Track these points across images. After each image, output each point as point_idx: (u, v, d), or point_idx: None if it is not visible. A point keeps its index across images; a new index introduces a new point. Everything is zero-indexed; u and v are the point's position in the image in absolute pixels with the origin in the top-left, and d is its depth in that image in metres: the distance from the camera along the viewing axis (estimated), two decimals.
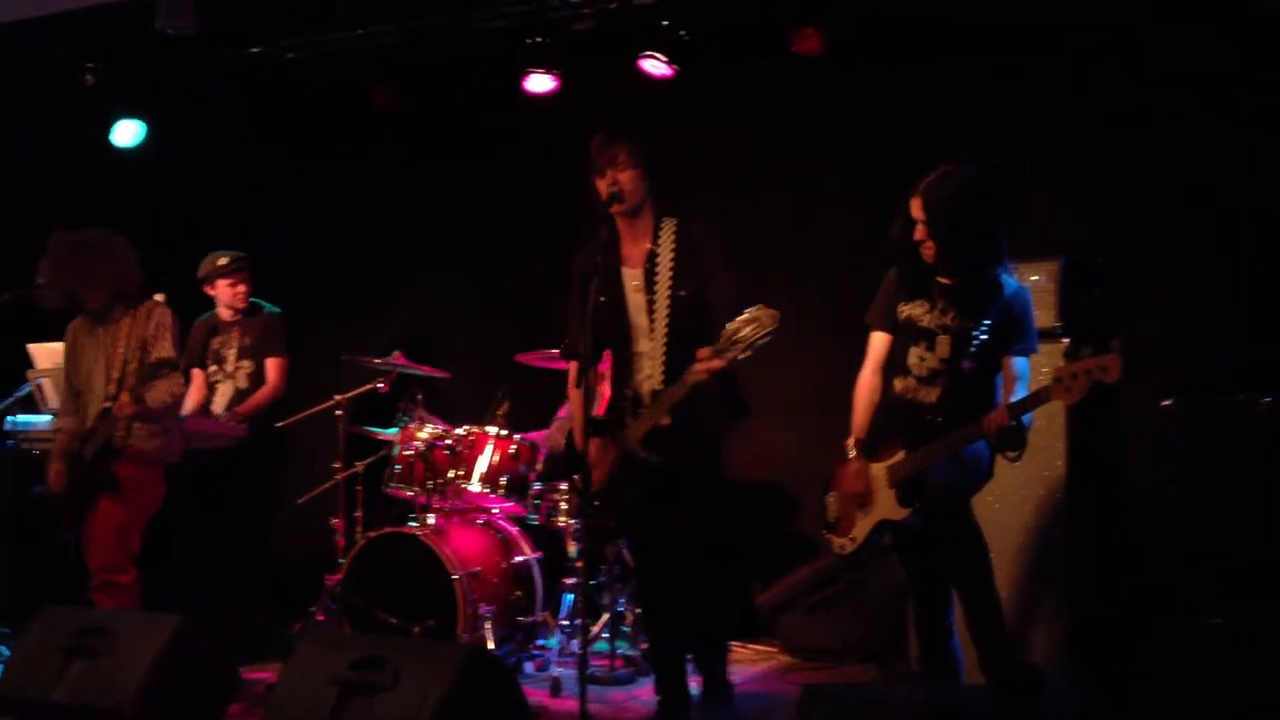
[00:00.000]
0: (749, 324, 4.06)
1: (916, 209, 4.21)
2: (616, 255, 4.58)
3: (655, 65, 6.41)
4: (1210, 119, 5.56)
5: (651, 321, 4.50)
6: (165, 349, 5.23)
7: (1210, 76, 5.54)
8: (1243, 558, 4.59)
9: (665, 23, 6.37)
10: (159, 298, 5.45)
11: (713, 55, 6.47)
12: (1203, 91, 5.55)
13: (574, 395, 4.68)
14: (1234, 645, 4.49)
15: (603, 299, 4.54)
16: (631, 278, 4.56)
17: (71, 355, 5.40)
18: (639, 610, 5.64)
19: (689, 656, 4.76)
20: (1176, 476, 4.80)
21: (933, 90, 6.15)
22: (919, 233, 4.21)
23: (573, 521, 5.72)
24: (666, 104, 6.51)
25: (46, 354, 6.16)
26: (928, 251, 4.23)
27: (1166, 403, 4.87)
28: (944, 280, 4.28)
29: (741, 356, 4.13)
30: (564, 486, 5.82)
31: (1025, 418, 4.09)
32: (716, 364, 4.16)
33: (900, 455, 4.25)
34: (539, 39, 6.62)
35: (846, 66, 6.29)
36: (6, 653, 5.74)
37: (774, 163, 6.64)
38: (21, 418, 6.17)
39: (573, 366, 4.66)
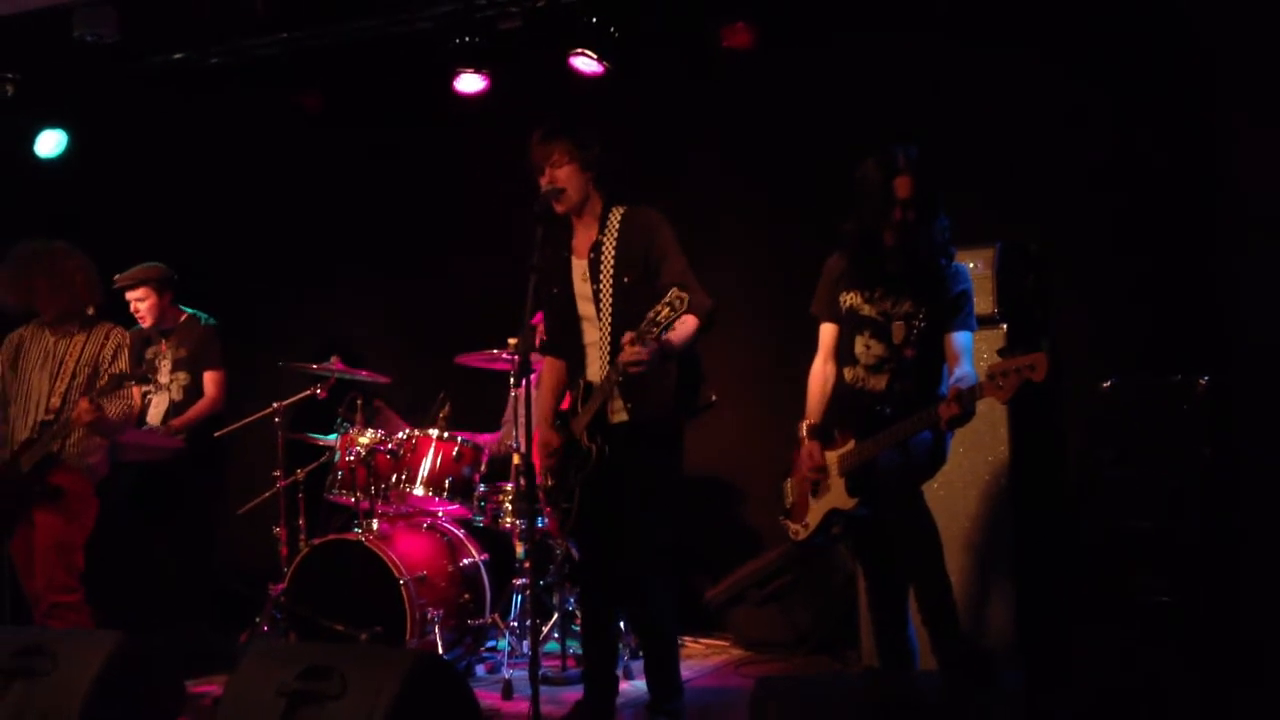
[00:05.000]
0: (664, 307, 4.05)
1: (906, 188, 4.18)
2: (568, 248, 4.59)
3: (585, 62, 6.40)
4: (1136, 105, 5.65)
5: (598, 311, 4.48)
6: (122, 366, 5.21)
7: (1137, 58, 5.63)
8: (1184, 537, 4.66)
9: (594, 20, 6.35)
10: (89, 312, 5.38)
11: (643, 51, 6.47)
12: (1131, 70, 5.64)
13: (541, 391, 4.68)
14: (1176, 625, 4.56)
15: (555, 291, 4.56)
16: (579, 269, 4.55)
17: (13, 361, 5.33)
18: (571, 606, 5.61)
19: (641, 656, 4.75)
20: (1117, 458, 4.86)
21: (860, 82, 6.19)
22: (899, 213, 4.19)
23: (519, 522, 5.69)
24: (598, 100, 6.49)
25: None
26: (903, 233, 4.21)
27: (1106, 384, 4.93)
28: (894, 266, 4.28)
29: (672, 340, 4.11)
30: (509, 487, 5.79)
31: None
32: (639, 352, 4.12)
33: (850, 445, 4.27)
34: (467, 39, 6.58)
35: (776, 59, 6.31)
36: None
37: (710, 155, 6.66)
38: None
39: (545, 362, 4.71)
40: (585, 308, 4.54)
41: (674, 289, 4.06)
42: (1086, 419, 5.15)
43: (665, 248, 4.46)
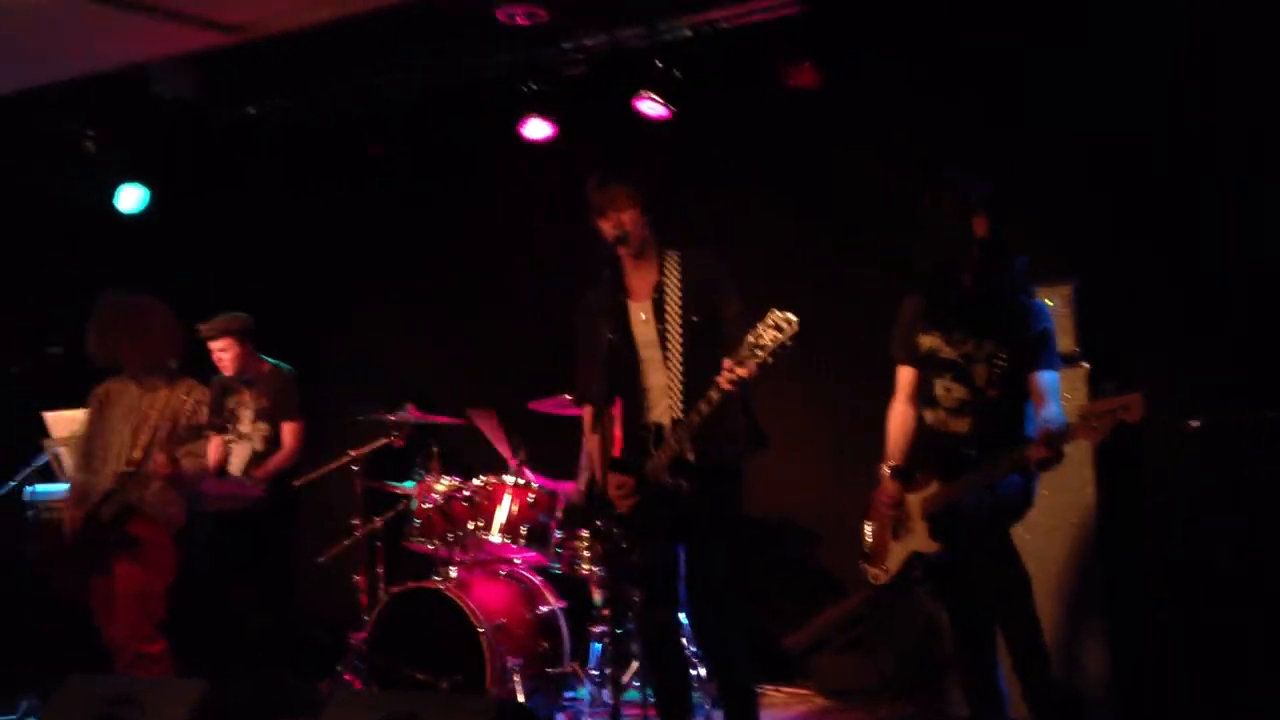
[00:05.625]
0: (770, 330, 4.03)
1: (983, 227, 4.14)
2: (622, 290, 4.56)
3: (651, 106, 6.43)
4: (1192, 133, 5.57)
5: (665, 353, 4.46)
6: (202, 419, 5.29)
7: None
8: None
9: (659, 63, 6.38)
10: (172, 365, 5.48)
11: (709, 93, 6.49)
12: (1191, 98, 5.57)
13: (590, 438, 4.66)
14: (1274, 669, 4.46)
15: (611, 337, 4.50)
16: (639, 311, 4.52)
17: (99, 412, 5.42)
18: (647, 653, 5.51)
19: (721, 707, 4.70)
20: (1209, 497, 4.78)
21: (924, 120, 6.15)
22: (976, 251, 4.14)
23: (596, 569, 5.67)
24: (665, 143, 6.52)
25: (62, 423, 6.14)
26: (979, 272, 4.17)
27: (1195, 423, 4.85)
28: (973, 306, 4.24)
29: (765, 363, 4.06)
30: (585, 534, 5.78)
31: None
32: (741, 371, 4.08)
33: (934, 487, 4.23)
34: (534, 85, 6.65)
35: (842, 98, 6.30)
36: None
37: (777, 194, 6.64)
38: (40, 487, 6.12)
39: (587, 411, 4.65)
40: (648, 351, 4.51)
41: (774, 310, 4.02)
42: (1175, 457, 5.07)
43: (728, 288, 4.46)
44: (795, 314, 4.03)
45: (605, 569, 4.71)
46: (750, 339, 4.04)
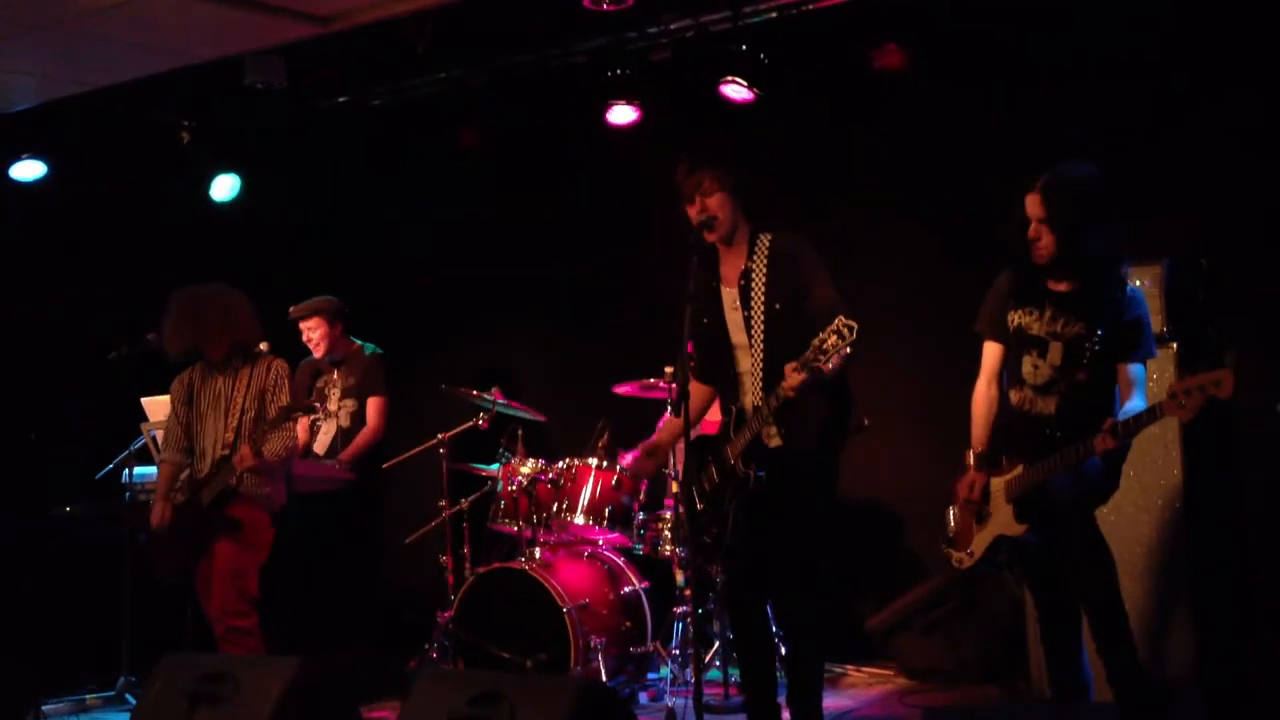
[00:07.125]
0: (832, 335, 4.04)
1: (1034, 206, 4.10)
2: (717, 276, 4.58)
3: (736, 90, 6.42)
4: None
5: (750, 338, 4.48)
6: (284, 400, 5.38)
7: None
8: None
9: (744, 47, 6.37)
10: (263, 347, 5.59)
11: (793, 76, 6.46)
12: None
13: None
14: None
15: (705, 321, 4.56)
16: (729, 297, 4.55)
17: (185, 400, 5.54)
18: (730, 633, 5.51)
19: (782, 682, 4.71)
20: None
21: (1016, 101, 6.08)
22: (1033, 231, 4.10)
23: (679, 550, 5.71)
24: (750, 128, 6.51)
25: (159, 407, 6.29)
26: (1041, 252, 4.12)
27: None
28: (1056, 284, 4.19)
29: (827, 369, 4.11)
30: (667, 515, 5.82)
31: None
32: (798, 379, 4.15)
33: (1018, 470, 4.18)
34: (619, 71, 6.68)
35: (929, 80, 6.25)
36: (132, 701, 5.87)
37: (864, 176, 6.60)
38: (138, 469, 6.30)
39: (693, 388, 4.68)
40: (738, 336, 4.53)
41: (840, 317, 4.05)
42: (1266, 441, 4.96)
43: (813, 272, 4.44)
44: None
45: (686, 549, 4.74)
46: (815, 343, 4.08)
